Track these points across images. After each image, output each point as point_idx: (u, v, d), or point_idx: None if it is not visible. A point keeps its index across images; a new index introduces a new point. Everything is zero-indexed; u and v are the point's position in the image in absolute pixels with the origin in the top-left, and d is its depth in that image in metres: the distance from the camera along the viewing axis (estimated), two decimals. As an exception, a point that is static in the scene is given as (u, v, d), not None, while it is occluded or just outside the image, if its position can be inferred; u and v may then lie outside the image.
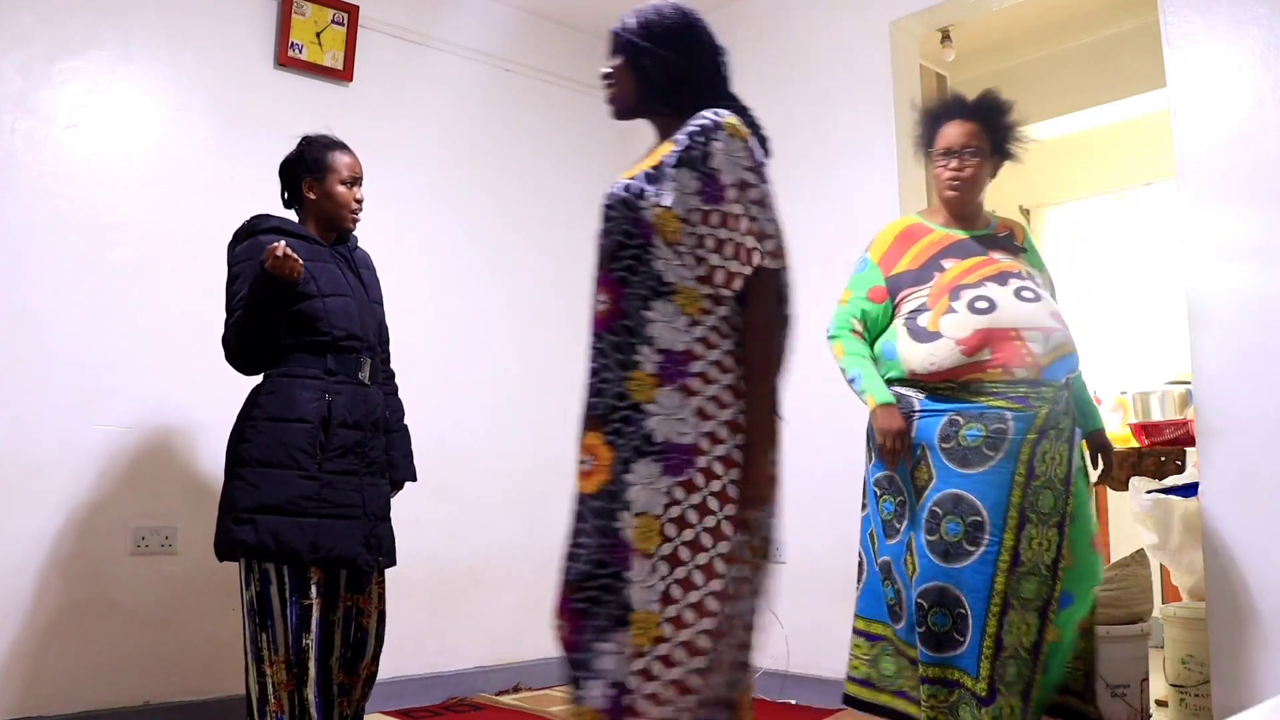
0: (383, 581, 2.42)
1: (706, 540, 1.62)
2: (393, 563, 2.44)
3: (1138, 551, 2.85)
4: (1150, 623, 2.82)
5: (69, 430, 2.79)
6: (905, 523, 2.25)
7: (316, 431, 2.24)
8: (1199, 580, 2.65)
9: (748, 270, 1.68)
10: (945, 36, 4.14)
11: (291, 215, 2.47)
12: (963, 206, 2.42)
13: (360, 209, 2.47)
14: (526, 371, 3.85)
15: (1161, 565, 3.38)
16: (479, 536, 3.66)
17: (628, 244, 1.68)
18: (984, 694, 2.09)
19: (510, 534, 3.70)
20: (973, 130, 2.38)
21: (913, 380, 2.28)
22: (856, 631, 2.38)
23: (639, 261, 1.67)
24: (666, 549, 1.60)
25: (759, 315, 1.71)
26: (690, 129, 1.69)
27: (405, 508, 2.58)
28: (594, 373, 1.71)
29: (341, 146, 2.47)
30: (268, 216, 2.40)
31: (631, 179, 1.72)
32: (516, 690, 3.60)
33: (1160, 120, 2.86)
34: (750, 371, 1.70)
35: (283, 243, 2.15)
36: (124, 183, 2.98)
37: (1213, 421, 2.42)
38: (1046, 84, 4.79)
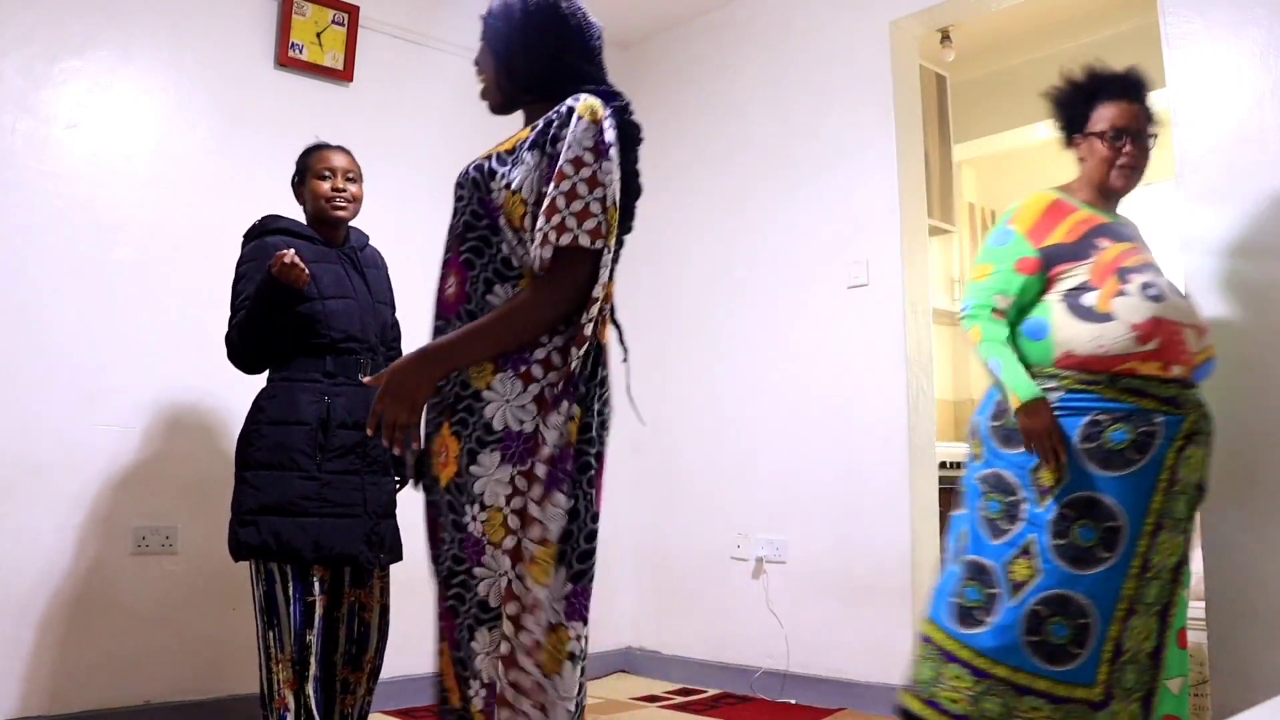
0: (385, 576, 2.44)
1: (552, 534, 1.56)
2: (398, 558, 2.45)
3: (1138, 551, 2.85)
4: (1150, 622, 2.82)
5: (69, 430, 2.79)
6: (1017, 524, 2.09)
7: (316, 433, 2.27)
8: (1198, 580, 2.65)
9: (550, 248, 1.55)
10: (945, 36, 4.14)
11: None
12: (1125, 193, 2.30)
13: (340, 197, 2.43)
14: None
15: (1161, 565, 3.38)
16: (479, 536, 3.66)
17: (475, 225, 1.65)
18: (1099, 699, 2.00)
19: (510, 534, 3.70)
20: (1141, 112, 2.25)
21: (1053, 371, 2.11)
22: (919, 633, 2.25)
23: (485, 244, 1.64)
24: (509, 542, 1.56)
25: (547, 283, 1.57)
26: (550, 114, 1.63)
27: (406, 507, 2.57)
28: None
29: (322, 146, 2.49)
30: (278, 217, 2.42)
31: (485, 159, 1.69)
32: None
33: (1160, 120, 2.86)
34: (497, 311, 1.60)
35: (291, 251, 2.18)
36: (124, 183, 2.98)
37: (1212, 421, 2.42)
38: (1046, 84, 4.79)
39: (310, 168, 2.45)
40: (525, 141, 1.64)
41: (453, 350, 1.60)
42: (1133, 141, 2.23)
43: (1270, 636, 2.28)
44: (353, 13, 3.45)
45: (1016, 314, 2.20)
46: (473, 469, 1.58)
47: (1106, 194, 2.29)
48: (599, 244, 1.57)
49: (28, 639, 2.68)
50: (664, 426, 4.11)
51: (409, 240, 3.60)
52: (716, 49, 4.07)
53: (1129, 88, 2.26)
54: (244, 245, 2.41)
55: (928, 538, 3.36)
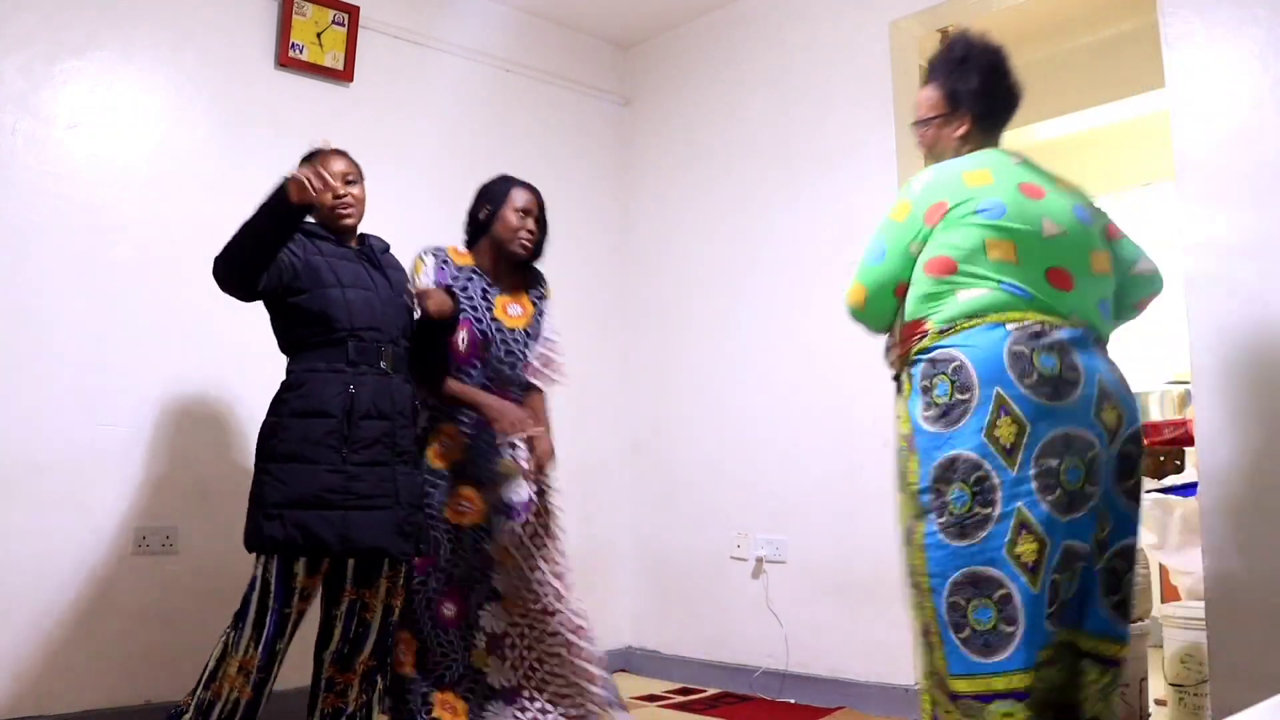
0: (396, 576, 2.39)
1: None
2: (426, 553, 2.47)
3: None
4: (1149, 622, 2.82)
5: (70, 430, 2.80)
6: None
7: (341, 425, 2.23)
8: (1198, 580, 2.65)
9: None
10: (945, 36, 4.14)
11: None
12: None
13: (342, 204, 2.40)
14: (527, 371, 3.84)
15: (1161, 565, 3.39)
16: (479, 536, 3.66)
17: None
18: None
19: (510, 534, 3.70)
20: None
21: None
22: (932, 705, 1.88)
23: None
24: None
25: None
26: None
27: (406, 507, 2.58)
28: None
29: (318, 152, 2.46)
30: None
31: None
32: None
33: (1160, 120, 2.86)
34: None
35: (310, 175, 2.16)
36: (125, 183, 2.98)
37: (1212, 421, 2.42)
38: (1046, 84, 4.78)
39: None
40: None
41: None
42: None
43: (1270, 636, 2.28)
44: (353, 13, 3.45)
45: None
46: None
47: None
48: None
49: (28, 639, 2.68)
50: (664, 426, 4.11)
51: (409, 240, 3.60)
52: (716, 49, 4.07)
53: None
54: None
55: (927, 538, 3.36)
